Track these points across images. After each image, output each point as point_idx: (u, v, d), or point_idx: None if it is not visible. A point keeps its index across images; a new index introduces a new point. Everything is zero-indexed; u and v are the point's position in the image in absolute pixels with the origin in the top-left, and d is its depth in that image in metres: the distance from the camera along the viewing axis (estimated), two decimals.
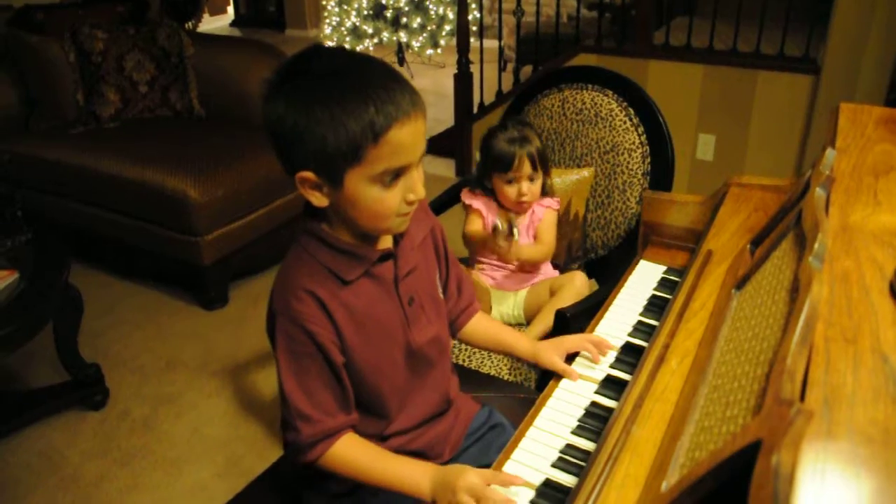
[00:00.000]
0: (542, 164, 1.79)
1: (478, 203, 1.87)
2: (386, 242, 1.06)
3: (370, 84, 0.89)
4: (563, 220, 1.93)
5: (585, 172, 1.93)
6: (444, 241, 1.20)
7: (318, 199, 0.95)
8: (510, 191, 1.80)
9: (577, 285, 1.76)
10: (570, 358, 1.21)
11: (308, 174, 0.92)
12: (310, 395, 1.00)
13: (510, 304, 1.87)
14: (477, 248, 1.89)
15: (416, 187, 0.96)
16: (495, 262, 1.88)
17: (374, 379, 1.07)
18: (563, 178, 1.92)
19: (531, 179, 1.78)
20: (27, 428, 2.17)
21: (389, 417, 1.11)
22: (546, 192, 1.84)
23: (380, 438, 1.13)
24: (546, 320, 1.70)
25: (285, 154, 0.94)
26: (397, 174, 0.93)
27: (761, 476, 0.53)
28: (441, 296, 1.17)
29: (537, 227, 1.84)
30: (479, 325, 1.29)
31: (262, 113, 0.94)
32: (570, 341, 1.21)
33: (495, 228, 1.68)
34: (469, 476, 0.94)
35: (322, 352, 0.99)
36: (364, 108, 0.87)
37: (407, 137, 0.90)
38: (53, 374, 2.35)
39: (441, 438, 1.19)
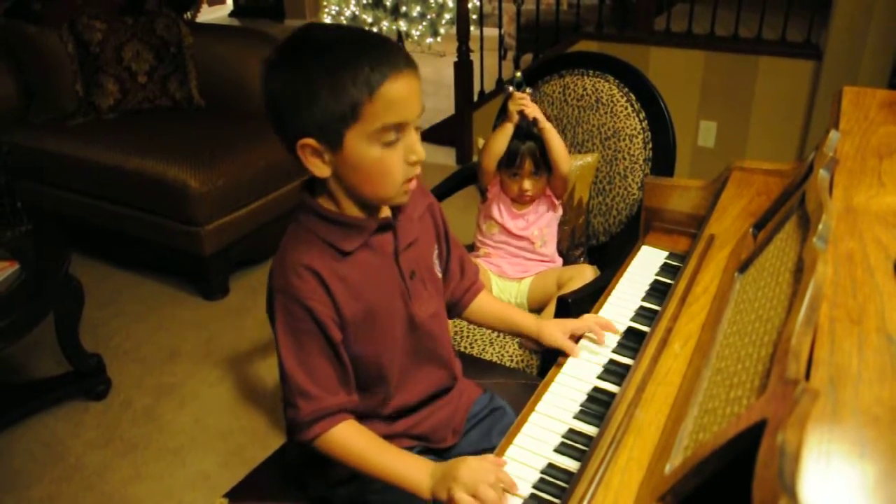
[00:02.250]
0: (547, 159, 1.80)
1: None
2: (383, 213, 1.06)
3: (365, 44, 0.92)
4: (568, 207, 1.92)
5: (589, 158, 1.92)
6: (444, 219, 1.20)
7: (320, 169, 0.96)
8: (513, 185, 1.83)
9: (587, 277, 1.76)
10: (574, 341, 1.21)
11: (309, 140, 0.93)
12: (310, 371, 1.00)
13: (513, 292, 1.86)
14: (492, 168, 1.85)
15: (415, 147, 0.97)
16: (502, 242, 1.88)
17: (373, 351, 1.06)
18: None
19: (534, 175, 1.81)
20: (30, 418, 2.17)
21: (390, 393, 1.11)
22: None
23: (385, 419, 1.13)
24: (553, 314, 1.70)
25: (285, 124, 0.95)
26: (396, 133, 0.94)
27: (766, 455, 0.52)
28: (438, 274, 1.17)
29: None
30: (483, 304, 1.30)
31: (262, 92, 0.95)
32: (575, 322, 1.22)
33: (509, 87, 1.77)
34: (471, 462, 0.94)
35: (321, 329, 0.99)
36: (359, 66, 0.89)
37: (401, 91, 0.92)
38: (55, 365, 2.35)
39: (444, 423, 1.19)
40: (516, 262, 1.88)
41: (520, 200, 1.86)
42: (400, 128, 0.94)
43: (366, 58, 0.90)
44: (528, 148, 1.78)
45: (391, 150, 0.94)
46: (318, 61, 0.90)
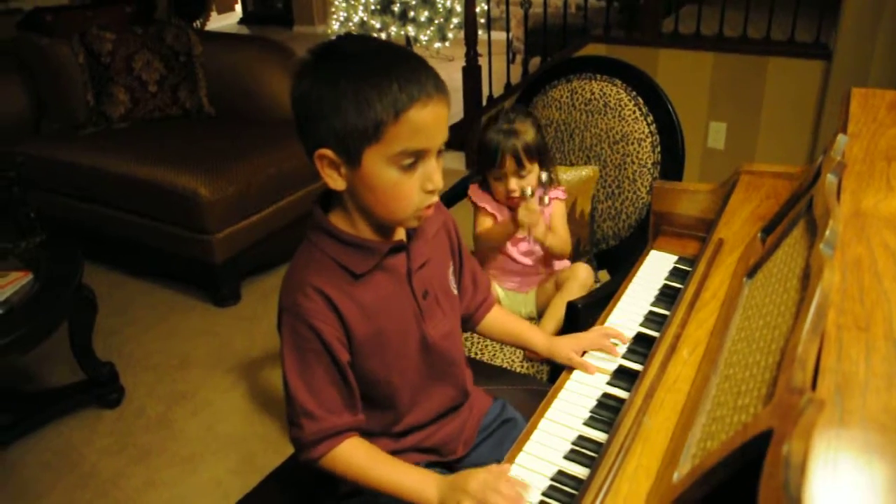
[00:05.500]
0: (533, 156, 1.70)
1: (487, 202, 1.82)
2: (398, 235, 1.05)
3: (396, 63, 0.89)
4: (570, 219, 1.90)
5: (590, 171, 1.90)
6: (459, 236, 1.19)
7: (335, 181, 0.95)
8: (499, 187, 1.74)
9: (582, 277, 1.75)
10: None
11: (327, 151, 0.92)
12: (315, 392, 0.99)
13: (521, 303, 1.85)
14: (489, 250, 1.84)
15: (434, 176, 0.94)
16: (506, 268, 1.86)
17: (385, 374, 1.06)
18: (567, 177, 1.90)
19: (520, 176, 1.70)
20: (44, 427, 2.19)
21: (401, 412, 1.11)
22: (552, 180, 1.78)
23: (394, 435, 1.12)
24: (557, 315, 1.69)
25: (307, 130, 0.93)
26: (415, 158, 0.92)
27: (772, 465, 0.52)
28: (454, 291, 1.16)
29: (550, 221, 1.79)
30: (496, 319, 1.29)
31: (290, 94, 0.94)
32: (587, 339, 1.21)
33: (523, 194, 1.63)
34: (479, 474, 0.94)
35: (328, 349, 0.98)
36: (388, 85, 0.87)
37: (428, 119, 0.90)
38: (69, 374, 2.36)
39: (455, 435, 1.19)
40: (523, 279, 1.86)
41: (510, 204, 1.75)
42: (420, 154, 0.92)
43: (396, 76, 0.87)
44: (510, 146, 1.66)
45: (408, 176, 0.92)
46: (348, 72, 0.88)
